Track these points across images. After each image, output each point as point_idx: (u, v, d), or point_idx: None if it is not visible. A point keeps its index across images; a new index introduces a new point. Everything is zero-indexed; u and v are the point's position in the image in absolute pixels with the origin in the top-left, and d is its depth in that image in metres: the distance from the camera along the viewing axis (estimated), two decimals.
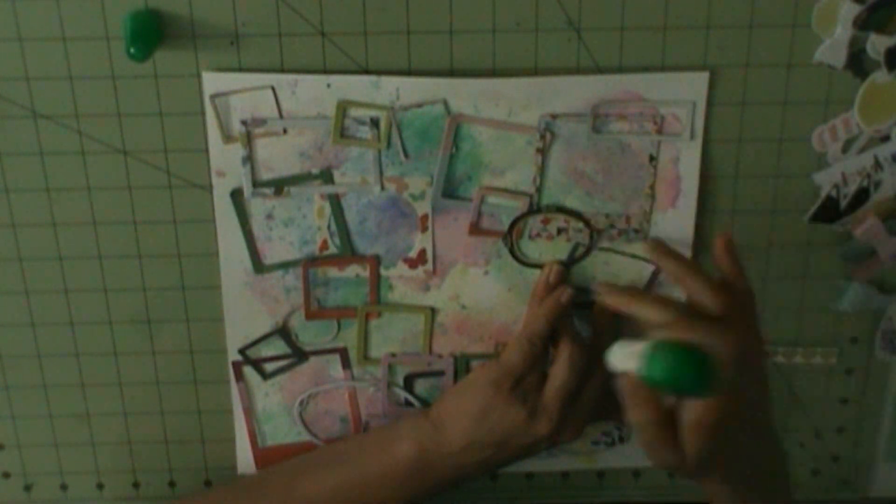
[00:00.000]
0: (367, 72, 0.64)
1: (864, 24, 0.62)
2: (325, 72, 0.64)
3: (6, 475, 0.75)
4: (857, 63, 0.64)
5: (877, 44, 0.63)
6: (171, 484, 0.76)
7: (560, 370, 0.64)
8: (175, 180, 0.66)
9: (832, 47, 0.63)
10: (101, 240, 0.68)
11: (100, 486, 0.75)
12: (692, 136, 0.66)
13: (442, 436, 0.65)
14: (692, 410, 0.56)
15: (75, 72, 0.63)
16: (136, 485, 0.76)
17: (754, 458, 0.60)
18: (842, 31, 0.63)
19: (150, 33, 0.61)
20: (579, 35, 0.64)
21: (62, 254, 0.68)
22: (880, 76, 0.64)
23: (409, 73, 0.64)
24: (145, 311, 0.70)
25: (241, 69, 0.63)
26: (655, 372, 0.53)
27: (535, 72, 0.64)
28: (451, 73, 0.64)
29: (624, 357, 0.56)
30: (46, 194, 0.67)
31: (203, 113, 0.65)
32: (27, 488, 0.75)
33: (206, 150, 0.66)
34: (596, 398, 0.67)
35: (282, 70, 0.64)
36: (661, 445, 0.58)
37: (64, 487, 0.75)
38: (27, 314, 0.70)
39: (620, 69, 0.64)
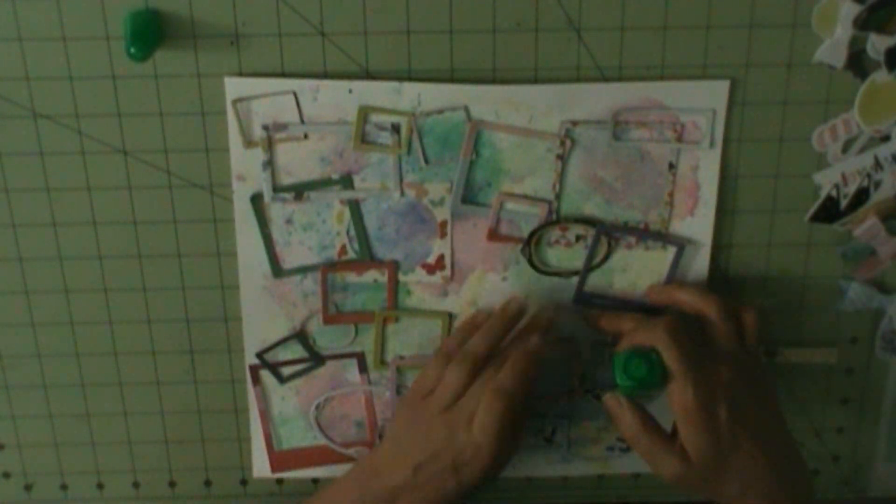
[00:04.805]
0: (367, 72, 0.64)
1: (864, 24, 0.62)
2: (325, 72, 0.64)
3: (6, 475, 0.75)
4: (857, 63, 0.64)
5: (877, 44, 0.63)
6: (171, 484, 0.76)
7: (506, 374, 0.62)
8: (175, 180, 0.66)
9: (832, 47, 0.63)
10: (101, 240, 0.68)
11: (100, 486, 0.75)
12: (712, 145, 0.66)
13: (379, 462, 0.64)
14: (673, 397, 0.59)
15: (75, 72, 0.63)
16: (136, 485, 0.76)
17: (763, 465, 0.60)
18: (842, 31, 0.63)
19: (150, 33, 0.61)
20: (579, 35, 0.64)
21: (62, 254, 0.68)
22: (880, 76, 0.64)
23: (408, 73, 0.64)
24: (146, 311, 0.70)
25: (241, 69, 0.63)
26: (622, 377, 0.61)
27: (535, 71, 0.64)
28: (451, 72, 0.64)
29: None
30: (46, 194, 0.67)
31: (203, 113, 0.64)
32: (27, 488, 0.75)
33: (206, 150, 0.66)
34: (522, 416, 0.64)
35: (282, 70, 0.64)
36: (659, 447, 0.60)
37: (64, 487, 0.75)
38: (27, 314, 0.70)
39: (620, 69, 0.64)
